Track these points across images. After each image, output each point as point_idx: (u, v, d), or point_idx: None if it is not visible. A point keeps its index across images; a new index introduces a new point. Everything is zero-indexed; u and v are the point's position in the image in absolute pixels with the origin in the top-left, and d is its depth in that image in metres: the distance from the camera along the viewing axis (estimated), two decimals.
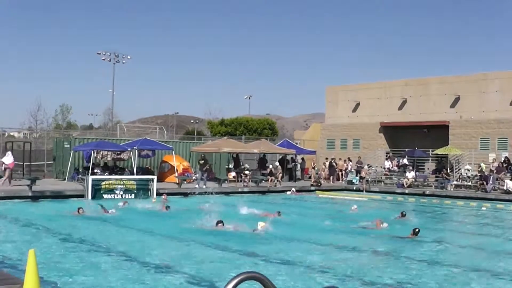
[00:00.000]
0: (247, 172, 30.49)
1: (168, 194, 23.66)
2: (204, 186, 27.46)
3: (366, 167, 34.95)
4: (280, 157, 35.40)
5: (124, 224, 15.71)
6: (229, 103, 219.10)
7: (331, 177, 35.22)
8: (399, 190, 30.86)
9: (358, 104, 41.57)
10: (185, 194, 25.72)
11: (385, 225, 15.88)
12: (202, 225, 15.02)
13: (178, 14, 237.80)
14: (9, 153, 26.12)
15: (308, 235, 14.24)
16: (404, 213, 18.52)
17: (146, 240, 13.21)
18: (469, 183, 30.61)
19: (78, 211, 17.19)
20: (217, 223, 14.70)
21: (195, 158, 33.02)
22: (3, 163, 25.03)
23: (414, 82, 39.35)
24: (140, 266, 10.02)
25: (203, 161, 28.38)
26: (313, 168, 36.37)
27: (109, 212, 17.75)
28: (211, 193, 23.43)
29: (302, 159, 38.83)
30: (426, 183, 32.59)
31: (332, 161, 36.05)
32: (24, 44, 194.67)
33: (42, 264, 9.11)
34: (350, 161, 36.14)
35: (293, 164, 36.50)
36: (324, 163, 36.62)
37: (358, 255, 12.05)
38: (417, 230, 14.34)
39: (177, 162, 30.31)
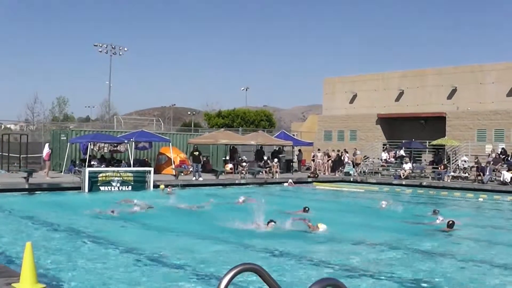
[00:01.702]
0: (244, 164, 30.49)
1: (165, 186, 23.77)
2: (200, 179, 27.47)
3: (358, 153, 34.93)
4: (274, 149, 35.31)
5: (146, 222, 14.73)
6: (226, 95, 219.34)
7: (337, 170, 35.04)
8: (396, 182, 30.89)
9: (355, 96, 41.58)
10: (183, 186, 25.71)
11: (440, 219, 15.11)
12: (244, 225, 13.71)
13: (175, 6, 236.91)
14: (46, 145, 26.49)
15: (357, 234, 13.23)
16: (437, 210, 17.33)
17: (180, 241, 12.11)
18: (466, 174, 30.66)
19: (112, 212, 15.81)
20: (268, 222, 13.54)
21: (189, 151, 33.01)
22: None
23: (411, 73, 39.36)
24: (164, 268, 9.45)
25: (197, 153, 28.31)
26: (313, 160, 36.36)
27: (134, 209, 16.64)
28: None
29: (299, 150, 38.81)
30: (423, 175, 32.64)
31: (339, 153, 35.84)
32: (21, 37, 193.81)
33: (39, 257, 9.12)
34: (347, 152, 36.12)
35: (280, 155, 35.90)
36: (324, 153, 36.46)
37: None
38: (450, 222, 14.11)
39: (174, 154, 30.30)
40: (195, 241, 12.00)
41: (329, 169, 35.58)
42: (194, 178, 27.52)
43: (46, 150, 26.19)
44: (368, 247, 11.83)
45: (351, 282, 8.48)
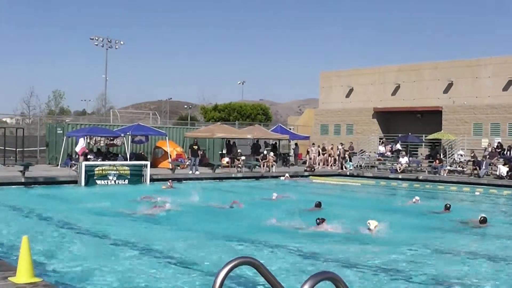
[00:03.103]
0: (243, 157, 30.45)
1: (163, 180, 23.75)
2: (197, 172, 27.48)
3: (340, 147, 34.46)
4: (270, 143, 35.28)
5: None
6: (223, 89, 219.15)
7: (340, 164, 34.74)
8: (392, 175, 30.92)
9: (351, 90, 41.57)
10: (179, 180, 25.70)
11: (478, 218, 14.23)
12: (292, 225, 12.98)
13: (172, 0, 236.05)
14: (80, 140, 25.93)
15: (406, 236, 12.32)
16: (448, 205, 16.81)
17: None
18: (462, 168, 30.73)
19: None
20: (319, 221, 12.61)
21: (189, 144, 32.98)
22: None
23: (408, 67, 39.37)
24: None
25: (196, 147, 28.34)
26: (308, 154, 36.36)
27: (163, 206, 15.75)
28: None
29: (296, 144, 38.83)
30: (419, 168, 32.69)
31: (342, 147, 35.53)
32: (17, 30, 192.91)
33: (36, 251, 9.10)
34: (343, 145, 36.07)
35: (267, 148, 35.52)
36: (322, 146, 36.40)
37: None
38: (482, 218, 13.76)
39: (171, 148, 30.27)
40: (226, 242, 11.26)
41: (334, 163, 35.26)
42: (190, 172, 27.53)
43: (80, 144, 25.51)
44: (402, 245, 11.23)
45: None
